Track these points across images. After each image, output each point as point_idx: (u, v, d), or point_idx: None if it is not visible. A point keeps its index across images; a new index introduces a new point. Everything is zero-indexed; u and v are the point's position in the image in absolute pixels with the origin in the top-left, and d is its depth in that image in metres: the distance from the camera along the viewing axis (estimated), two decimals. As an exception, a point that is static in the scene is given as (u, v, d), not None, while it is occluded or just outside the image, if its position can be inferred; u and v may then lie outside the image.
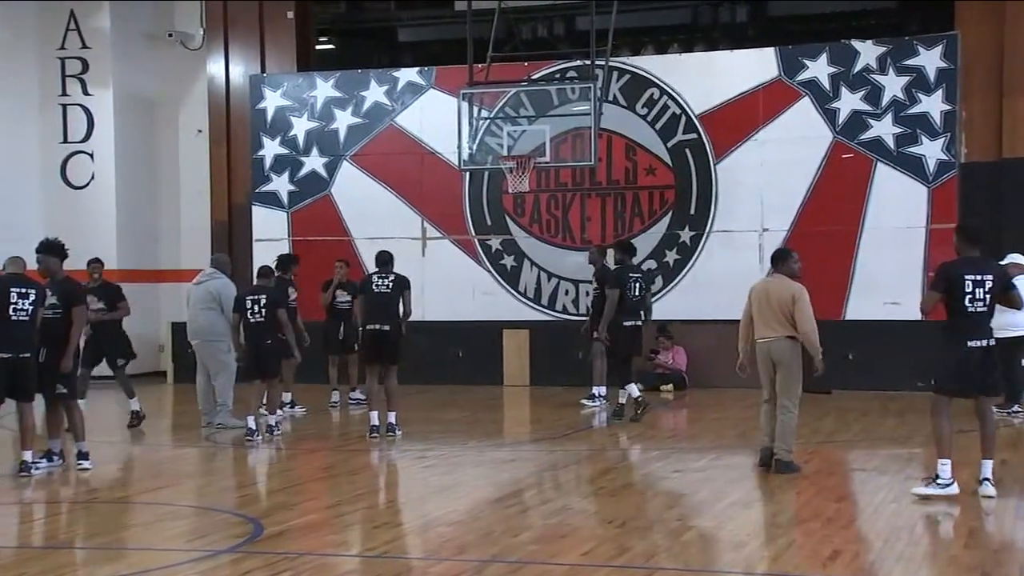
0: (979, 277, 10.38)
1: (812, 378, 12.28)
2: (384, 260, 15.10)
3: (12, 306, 12.09)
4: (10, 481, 12.17)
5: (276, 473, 13.43)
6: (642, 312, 16.40)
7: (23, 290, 12.26)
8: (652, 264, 20.47)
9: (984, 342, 10.47)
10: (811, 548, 8.95)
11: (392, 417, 14.80)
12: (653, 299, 18.04)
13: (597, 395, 17.80)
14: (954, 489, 10.45)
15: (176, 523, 10.55)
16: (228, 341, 15.77)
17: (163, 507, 11.21)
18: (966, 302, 10.35)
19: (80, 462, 12.73)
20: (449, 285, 21.34)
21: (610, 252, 18.78)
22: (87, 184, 23.92)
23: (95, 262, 16.99)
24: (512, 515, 10.40)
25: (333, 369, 18.12)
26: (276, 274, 16.40)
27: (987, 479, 10.54)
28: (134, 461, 14.32)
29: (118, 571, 8.64)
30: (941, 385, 10.68)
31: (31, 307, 12.23)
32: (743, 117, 20.63)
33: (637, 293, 16.23)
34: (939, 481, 10.47)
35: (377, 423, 14.78)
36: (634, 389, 16.11)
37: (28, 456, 12.40)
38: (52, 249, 12.80)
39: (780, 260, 12.48)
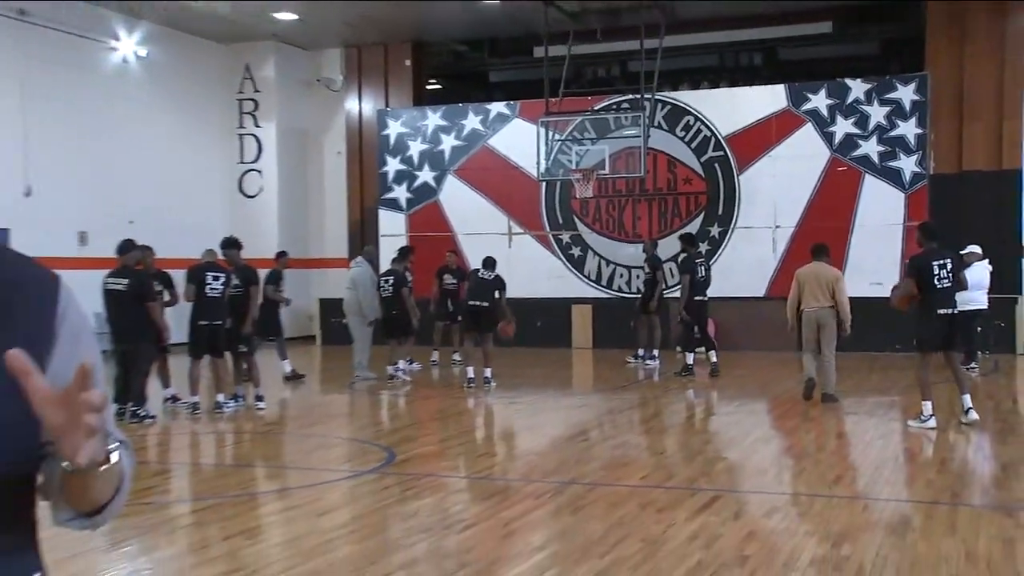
0: (942, 261, 10.78)
1: (840, 339, 12.76)
2: (490, 263, 15.09)
3: (208, 287, 12.39)
4: (208, 416, 12.45)
5: (401, 414, 13.55)
6: (707, 289, 16.15)
7: (215, 274, 12.55)
8: (683, 253, 20.18)
9: (950, 310, 10.76)
10: (818, 474, 8.94)
11: (488, 372, 14.78)
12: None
13: (641, 356, 17.69)
14: (932, 423, 10.66)
15: (329, 451, 10.67)
16: (358, 316, 15.81)
17: (318, 438, 11.36)
18: (935, 281, 10.68)
19: (257, 403, 12.92)
20: (529, 270, 21.22)
21: (658, 243, 18.89)
22: (257, 194, 24.18)
23: (282, 254, 17.07)
24: (583, 448, 10.44)
25: (437, 334, 18.00)
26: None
27: (970, 408, 10.82)
28: (294, 404, 14.41)
29: (288, 485, 8.81)
30: (921, 345, 10.86)
31: (221, 287, 12.51)
32: (759, 138, 20.50)
33: (703, 274, 16.01)
34: (922, 416, 10.72)
35: (473, 376, 14.79)
36: (690, 357, 16.02)
37: (221, 398, 12.71)
38: (234, 244, 13.12)
39: (823, 252, 13.01)
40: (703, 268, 16.19)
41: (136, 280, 11.97)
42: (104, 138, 20.68)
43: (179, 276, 13.41)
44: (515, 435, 11.56)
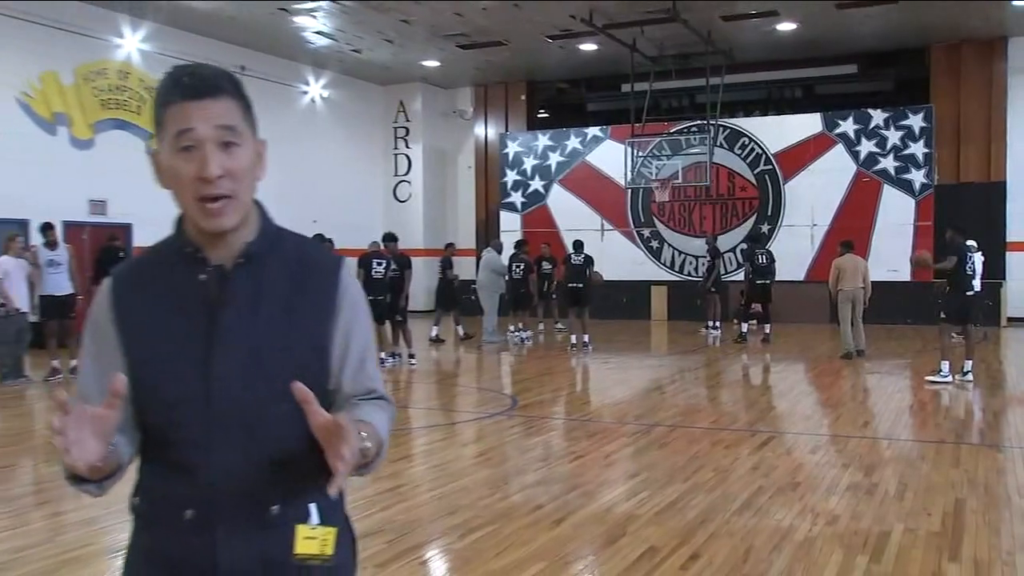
0: (971, 253, 10.94)
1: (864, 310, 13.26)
2: (578, 246, 14.95)
3: (373, 270, 12.52)
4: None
5: (521, 370, 13.44)
6: (769, 274, 15.69)
7: (378, 260, 12.69)
8: (744, 245, 19.86)
9: (973, 292, 10.86)
10: (851, 419, 8.82)
11: (586, 338, 14.64)
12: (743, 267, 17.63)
13: (710, 326, 17.48)
14: (949, 378, 10.60)
15: (467, 396, 10.76)
16: (488, 291, 15.78)
17: (459, 387, 11.52)
18: (967, 267, 10.70)
19: (410, 360, 12.99)
20: (617, 258, 20.99)
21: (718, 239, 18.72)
22: (407, 199, 24.18)
23: (450, 245, 17.14)
24: (664, 398, 10.30)
25: (540, 308, 17.74)
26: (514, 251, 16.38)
27: (968, 371, 10.75)
28: (440, 361, 14.44)
29: (437, 422, 8.84)
30: (949, 317, 10.79)
31: (383, 270, 12.66)
32: (800, 156, 20.08)
33: (763, 262, 15.60)
34: (941, 373, 10.65)
35: (575, 342, 14.70)
36: (744, 327, 15.97)
37: (382, 355, 12.74)
38: (393, 238, 13.26)
39: (851, 245, 13.49)
40: (764, 257, 15.71)
41: None
42: (296, 158, 21.03)
43: (350, 262, 13.55)
44: (609, 387, 11.46)
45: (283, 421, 1.52)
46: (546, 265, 17.42)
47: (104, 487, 1.55)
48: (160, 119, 1.56)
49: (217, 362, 1.55)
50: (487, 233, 22.87)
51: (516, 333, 15.99)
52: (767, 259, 15.73)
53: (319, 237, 12.34)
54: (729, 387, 11.33)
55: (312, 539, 1.52)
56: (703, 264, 19.09)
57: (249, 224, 1.63)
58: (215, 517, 1.55)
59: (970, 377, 10.64)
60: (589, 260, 14.77)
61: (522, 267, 15.73)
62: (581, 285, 14.67)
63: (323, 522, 1.56)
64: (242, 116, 1.58)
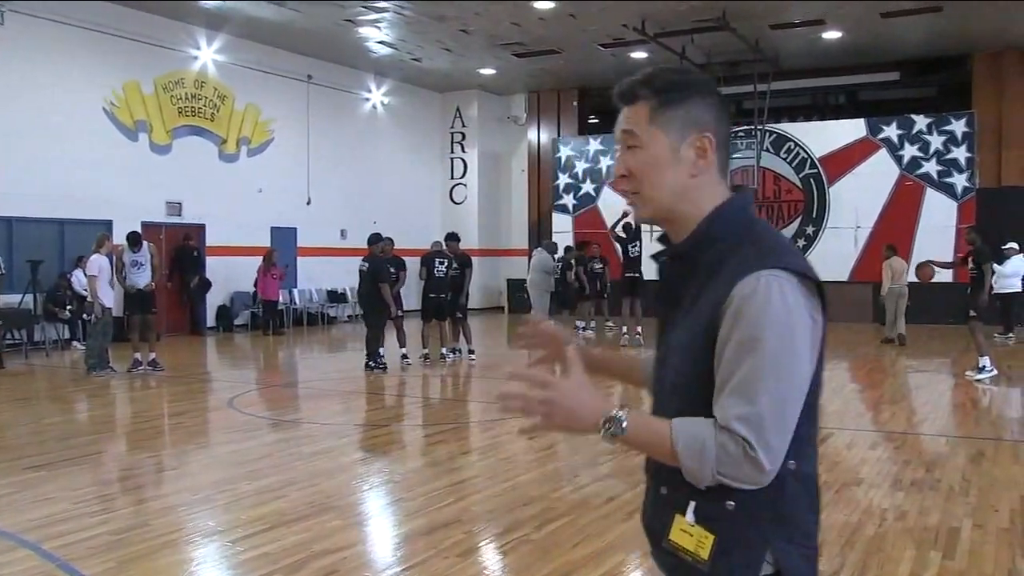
0: (1013, 255, 11.29)
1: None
2: (635, 233, 14.46)
3: (436, 269, 12.38)
4: (435, 364, 12.30)
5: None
6: None
7: (440, 259, 12.51)
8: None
9: (1008, 291, 11.41)
10: (905, 416, 8.59)
11: (639, 330, 14.32)
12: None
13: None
14: (993, 372, 10.55)
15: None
16: (540, 290, 15.36)
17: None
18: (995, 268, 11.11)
19: (470, 356, 12.80)
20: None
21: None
22: (463, 201, 24.07)
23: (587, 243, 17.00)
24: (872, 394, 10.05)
25: (591, 307, 17.37)
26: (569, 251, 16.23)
27: (984, 367, 10.65)
28: (497, 356, 14.29)
29: (500, 416, 8.50)
30: (981, 316, 10.83)
31: (445, 270, 12.52)
32: (845, 160, 19.67)
33: None
34: (986, 368, 10.57)
35: (627, 335, 14.42)
36: None
37: (444, 350, 12.70)
38: (454, 237, 12.98)
39: (895, 249, 14.79)
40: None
41: (373, 265, 11.70)
42: (359, 162, 21.16)
43: (411, 261, 13.36)
44: None
45: (674, 409, 1.54)
46: (597, 265, 17.10)
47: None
48: None
49: (661, 343, 1.68)
50: (539, 234, 22.71)
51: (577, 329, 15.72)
52: None
53: (375, 236, 12.05)
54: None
55: (688, 535, 1.54)
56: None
57: (687, 223, 1.62)
58: (649, 483, 1.70)
59: (983, 375, 10.45)
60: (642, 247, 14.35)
61: (560, 266, 15.76)
62: (638, 275, 14.37)
63: (699, 523, 1.54)
64: (648, 119, 1.60)
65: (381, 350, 11.74)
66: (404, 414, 8.97)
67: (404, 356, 12.14)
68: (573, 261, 16.75)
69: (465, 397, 10.35)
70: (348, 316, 20.20)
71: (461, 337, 12.92)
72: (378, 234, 12.24)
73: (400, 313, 12.06)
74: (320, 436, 7.49)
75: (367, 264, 11.77)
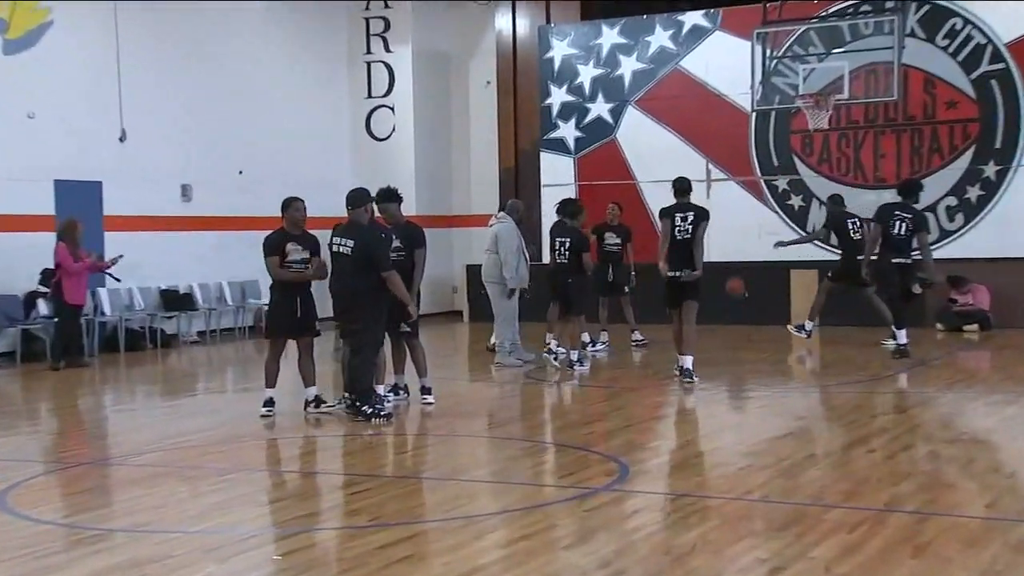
0: None
1: None
2: (683, 188, 14.04)
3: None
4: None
5: (611, 411, 12.92)
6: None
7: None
8: (952, 201, 19.71)
9: None
10: None
11: (689, 360, 13.94)
12: (950, 238, 17.16)
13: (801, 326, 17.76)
14: None
15: (536, 458, 10.44)
16: (500, 287, 15.81)
17: (517, 443, 11.16)
18: None
19: (424, 397, 12.73)
20: (734, 226, 20.55)
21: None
22: (388, 136, 24.33)
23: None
24: (873, 461, 9.56)
25: (603, 310, 17.47)
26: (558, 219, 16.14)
27: None
28: (471, 399, 14.37)
29: (509, 505, 8.46)
30: None
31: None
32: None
33: (901, 232, 15.49)
34: None
35: (687, 367, 13.92)
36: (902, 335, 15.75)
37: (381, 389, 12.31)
38: (392, 196, 12.61)
39: None
40: (904, 225, 15.68)
41: (363, 239, 11.70)
42: (209, 71, 21.44)
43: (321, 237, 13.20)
44: (772, 441, 10.79)
45: None
46: (611, 239, 17.22)
47: None
48: None
49: None
50: (518, 189, 22.87)
51: (556, 349, 15.65)
52: (908, 226, 15.72)
53: (357, 194, 11.93)
54: (986, 444, 10.72)
55: None
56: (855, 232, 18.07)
57: None
58: None
59: None
60: (701, 216, 13.88)
61: (568, 244, 15.48)
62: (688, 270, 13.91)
63: None
64: None
65: (385, 389, 12.34)
66: (350, 506, 8.69)
67: (425, 392, 12.81)
68: (592, 233, 16.92)
69: (434, 472, 10.10)
70: (199, 333, 20.59)
71: (408, 363, 13.04)
72: (362, 190, 12.15)
73: (413, 319, 12.47)
74: (185, 558, 7.13)
75: (353, 241, 11.76)
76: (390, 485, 9.43)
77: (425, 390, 12.74)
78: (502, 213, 16.62)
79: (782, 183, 21.30)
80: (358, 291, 11.71)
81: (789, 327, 18.04)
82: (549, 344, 15.62)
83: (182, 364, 18.11)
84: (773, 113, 20.84)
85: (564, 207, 16.09)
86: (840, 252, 17.33)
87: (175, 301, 20.06)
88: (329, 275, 12.30)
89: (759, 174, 21.48)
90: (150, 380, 16.76)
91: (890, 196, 17.90)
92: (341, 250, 11.84)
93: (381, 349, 12.26)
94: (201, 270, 20.52)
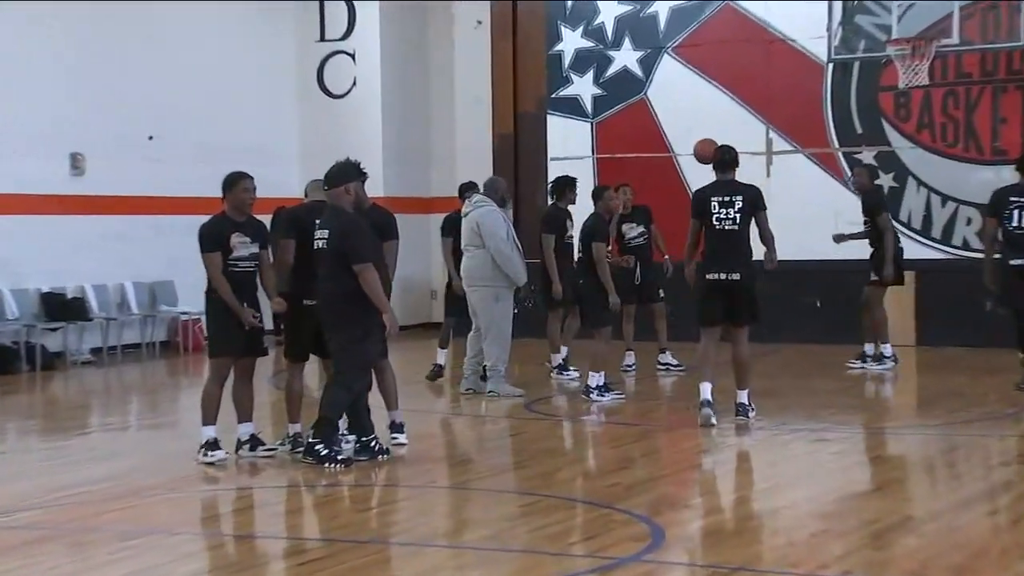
0: None
1: None
2: (726, 162, 13.98)
3: (316, 239, 12.16)
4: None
5: (640, 456, 13.11)
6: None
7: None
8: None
9: None
10: None
11: (744, 395, 14.08)
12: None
13: (873, 355, 18.07)
14: None
15: (543, 519, 10.28)
16: (497, 287, 16.13)
17: (520, 497, 11.22)
18: None
19: (395, 438, 12.80)
20: (803, 212, 20.69)
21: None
22: (348, 92, 24.69)
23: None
24: (1000, 527, 9.69)
25: (629, 324, 17.67)
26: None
27: None
28: (436, 435, 14.82)
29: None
30: None
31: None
32: None
33: (1021, 224, 15.49)
34: None
35: (709, 397, 13.95)
36: None
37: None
38: (350, 173, 12.49)
39: None
40: (1019, 213, 15.70)
41: (341, 226, 11.91)
42: (106, 7, 21.53)
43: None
44: (856, 498, 10.89)
45: None
46: (632, 231, 17.81)
47: None
48: None
49: None
50: (516, 162, 23.62)
51: (567, 372, 16.45)
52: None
53: (341, 170, 12.12)
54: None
55: None
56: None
57: None
58: None
59: None
60: (752, 201, 13.85)
61: (582, 231, 16.21)
62: (736, 276, 13.91)
63: None
64: None
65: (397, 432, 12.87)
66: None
67: (395, 429, 12.98)
68: (620, 226, 17.61)
69: (440, 538, 9.91)
70: (94, 351, 20.82)
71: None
72: (345, 164, 12.33)
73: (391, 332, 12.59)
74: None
75: (328, 231, 12.01)
76: (348, 553, 9.31)
77: (396, 427, 12.79)
78: (478, 195, 16.77)
79: (867, 156, 21.33)
80: (334, 296, 11.83)
81: (854, 364, 18.24)
82: (554, 365, 15.69)
83: (70, 392, 18.14)
84: (856, 64, 21.06)
85: (553, 187, 16.84)
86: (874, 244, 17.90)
87: (61, 308, 20.12)
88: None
89: (836, 144, 21.68)
90: (26, 413, 16.70)
91: (1010, 175, 18.03)
92: (319, 244, 12.04)
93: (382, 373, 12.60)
94: (96, 268, 20.68)
